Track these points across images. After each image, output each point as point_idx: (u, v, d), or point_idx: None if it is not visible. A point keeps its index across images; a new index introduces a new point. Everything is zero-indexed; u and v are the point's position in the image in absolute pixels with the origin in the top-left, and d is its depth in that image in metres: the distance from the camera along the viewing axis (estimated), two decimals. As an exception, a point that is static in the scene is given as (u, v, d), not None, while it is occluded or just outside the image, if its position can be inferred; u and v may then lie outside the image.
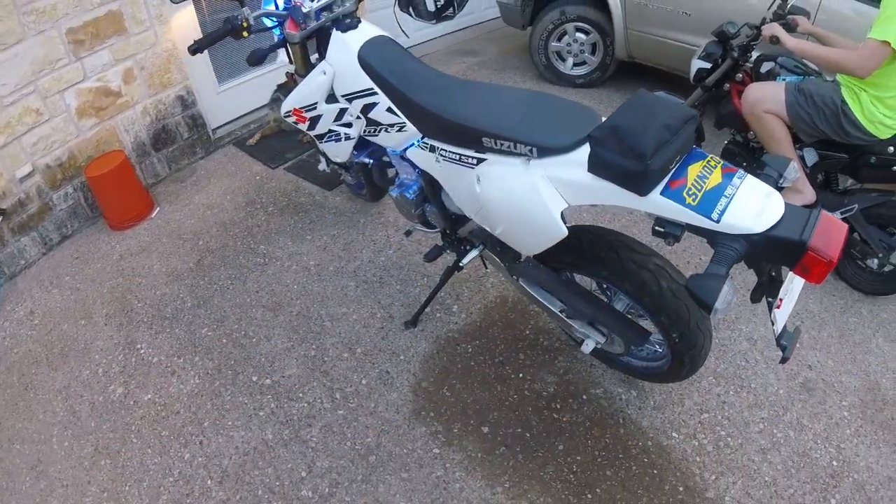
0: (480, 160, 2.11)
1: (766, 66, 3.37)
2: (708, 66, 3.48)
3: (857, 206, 3.18)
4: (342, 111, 2.59)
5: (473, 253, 2.63)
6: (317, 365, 2.98)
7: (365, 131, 2.57)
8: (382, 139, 2.51)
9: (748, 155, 3.53)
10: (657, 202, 1.73)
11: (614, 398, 2.77)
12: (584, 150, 1.82)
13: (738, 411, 2.76)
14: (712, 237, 1.72)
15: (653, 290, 2.13)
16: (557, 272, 2.43)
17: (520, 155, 1.98)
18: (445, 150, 2.22)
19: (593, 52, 5.24)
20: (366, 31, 2.53)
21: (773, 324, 1.93)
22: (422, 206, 2.65)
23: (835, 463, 2.65)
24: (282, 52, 3.10)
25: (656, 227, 1.84)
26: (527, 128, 1.97)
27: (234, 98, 4.98)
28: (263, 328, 3.21)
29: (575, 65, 5.36)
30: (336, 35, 2.54)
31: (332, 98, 2.60)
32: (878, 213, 3.22)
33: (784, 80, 3.24)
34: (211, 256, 3.70)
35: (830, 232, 1.62)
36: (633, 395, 2.79)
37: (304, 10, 2.54)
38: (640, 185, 1.69)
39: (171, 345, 3.20)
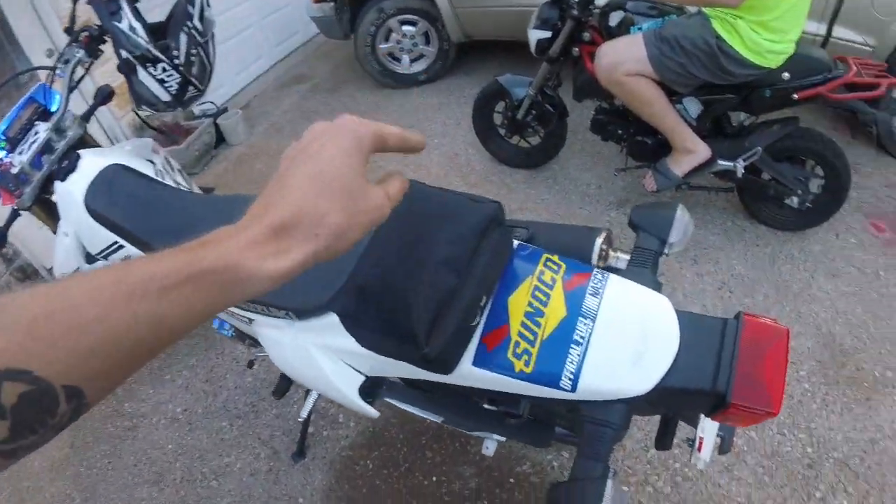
0: (250, 319, 1.56)
1: (614, 18, 2.83)
2: (548, 34, 2.96)
3: (759, 148, 2.78)
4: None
5: (311, 400, 2.14)
6: (218, 538, 2.53)
7: None
8: None
9: (622, 121, 3.07)
10: (472, 376, 1.18)
11: (545, 469, 2.35)
12: None
13: (684, 434, 2.35)
14: (572, 408, 1.21)
15: None
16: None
17: (280, 317, 1.43)
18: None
19: (428, 43, 4.75)
20: (88, 168, 2.01)
21: (695, 462, 1.40)
22: (251, 344, 2.13)
23: (809, 450, 2.37)
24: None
25: (486, 406, 1.30)
26: (301, 281, 1.39)
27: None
28: (154, 510, 2.77)
29: (412, 61, 4.86)
30: (58, 186, 2.04)
31: (91, 256, 2.15)
32: (784, 146, 2.84)
33: (639, 29, 2.74)
34: (82, 432, 3.16)
35: (763, 361, 1.11)
36: (566, 457, 2.36)
37: (15, 171, 2.06)
38: (427, 367, 1.10)
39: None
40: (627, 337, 1.15)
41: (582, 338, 1.14)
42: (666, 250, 1.41)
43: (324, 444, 2.50)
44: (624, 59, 2.66)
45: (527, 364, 1.13)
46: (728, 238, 3.25)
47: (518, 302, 1.18)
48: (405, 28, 4.62)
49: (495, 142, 3.76)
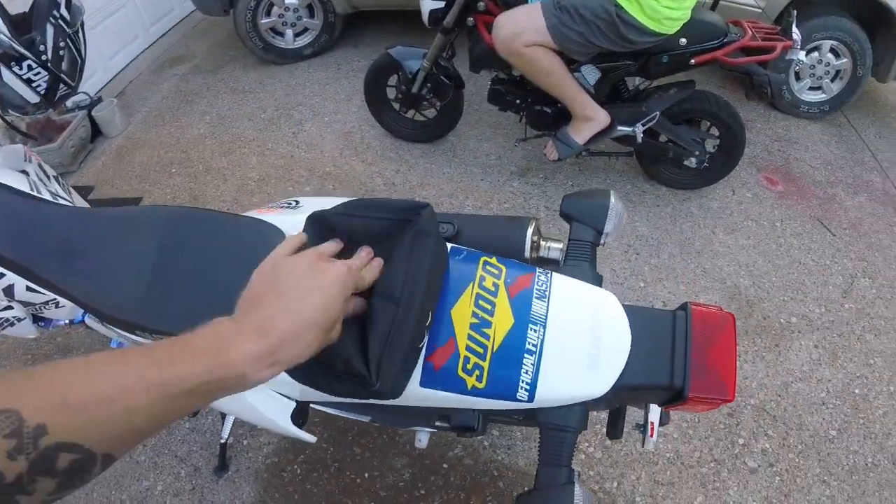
0: None
1: None
2: (441, 4, 2.85)
3: (657, 112, 2.80)
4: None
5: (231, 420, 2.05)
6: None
7: (29, 309, 1.79)
8: (52, 314, 1.73)
9: (520, 91, 3.03)
10: (421, 397, 1.11)
11: (478, 451, 2.31)
12: None
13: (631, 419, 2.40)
14: (530, 416, 1.17)
15: None
16: None
17: None
18: (115, 330, 1.52)
19: (312, 16, 4.54)
20: None
21: (643, 445, 1.41)
22: None
23: None
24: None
25: (438, 423, 1.24)
26: (177, 304, 1.31)
27: None
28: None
29: (296, 35, 4.61)
30: None
31: None
32: (681, 109, 2.89)
33: None
34: None
35: (714, 350, 1.11)
36: (496, 435, 2.35)
37: None
38: (374, 398, 0.97)
39: None
40: (580, 340, 1.11)
41: (534, 346, 1.09)
42: (602, 240, 1.38)
43: (246, 454, 2.35)
44: (523, 29, 2.59)
45: (479, 379, 1.07)
46: (630, 201, 3.29)
47: (462, 313, 1.11)
48: (287, 1, 4.38)
49: (390, 116, 3.65)
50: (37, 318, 1.84)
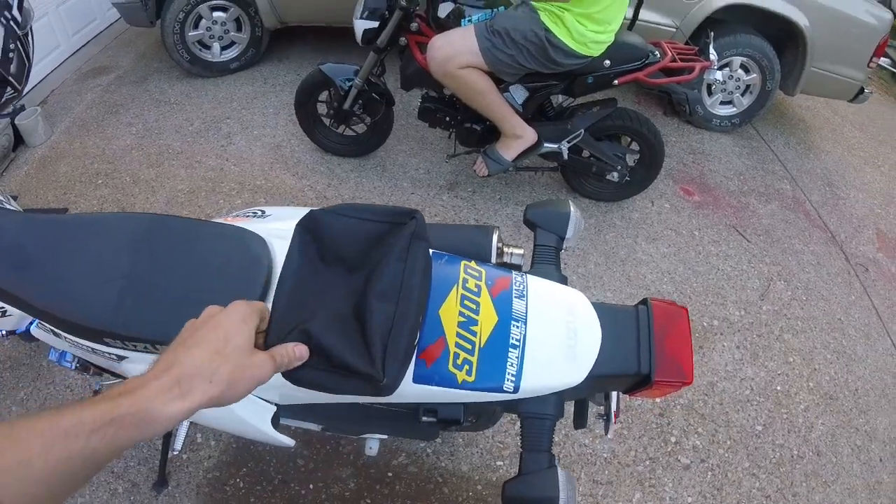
0: (121, 357, 1.41)
1: (444, 9, 2.82)
2: (375, 24, 2.91)
3: (582, 129, 2.93)
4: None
5: (183, 431, 1.99)
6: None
7: None
8: None
9: (450, 109, 3.11)
10: (413, 393, 1.18)
11: (421, 458, 2.35)
12: None
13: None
14: (512, 406, 1.25)
15: None
16: None
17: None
18: (71, 339, 1.47)
19: (240, 30, 4.52)
20: None
21: (607, 433, 1.53)
22: (96, 373, 1.88)
23: (658, 401, 2.59)
24: None
25: (424, 418, 1.29)
26: (153, 311, 1.29)
27: None
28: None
29: (223, 49, 4.58)
30: None
31: None
32: (604, 126, 3.03)
33: (469, 20, 2.76)
34: None
35: (673, 338, 1.24)
36: (439, 443, 2.39)
37: None
38: (377, 394, 1.03)
39: None
40: (557, 334, 1.21)
41: (517, 341, 1.18)
42: (564, 245, 1.49)
43: (186, 469, 2.32)
44: (457, 52, 2.67)
45: (469, 373, 1.15)
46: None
47: (449, 313, 1.19)
48: (216, 14, 4.35)
49: (321, 131, 3.65)
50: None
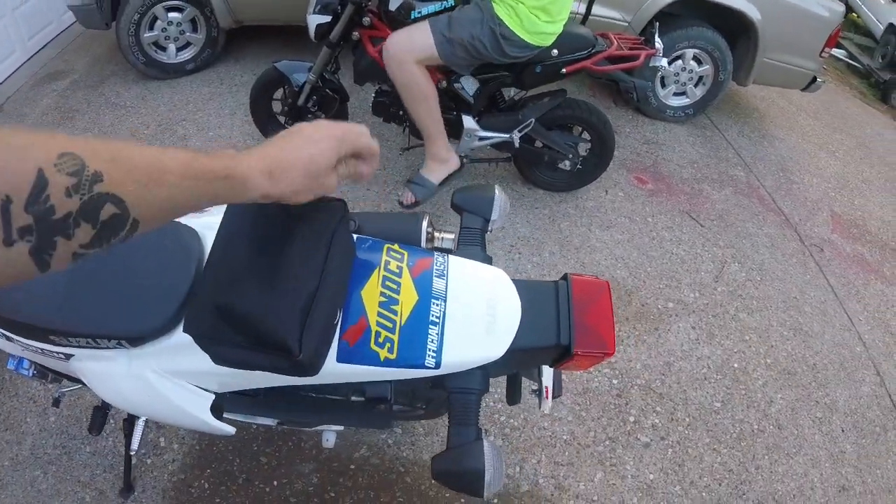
0: (68, 355, 1.40)
1: (394, 3, 2.80)
2: (327, 18, 2.91)
3: (533, 119, 2.97)
4: None
5: (139, 432, 1.98)
6: None
7: None
8: None
9: (403, 103, 3.10)
10: (338, 372, 1.21)
11: (383, 449, 2.36)
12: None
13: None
14: (436, 383, 1.27)
15: None
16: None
17: (109, 347, 1.31)
18: (15, 339, 1.46)
19: (195, 30, 4.49)
20: None
21: (543, 409, 1.58)
22: (54, 380, 1.89)
23: (615, 381, 2.62)
24: None
25: (354, 397, 1.33)
26: (90, 305, 1.29)
27: None
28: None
29: (179, 50, 4.54)
30: None
31: None
32: (554, 116, 3.07)
33: (419, 13, 2.77)
34: None
35: (593, 311, 1.27)
36: (399, 433, 2.41)
37: None
38: (299, 373, 1.10)
39: None
40: (477, 310, 1.25)
41: (437, 318, 1.22)
42: (490, 227, 1.52)
43: (151, 473, 2.31)
44: (413, 47, 2.70)
45: (390, 351, 1.18)
46: (510, 204, 3.43)
47: (371, 294, 1.22)
48: (171, 15, 4.32)
49: (276, 129, 3.58)
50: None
